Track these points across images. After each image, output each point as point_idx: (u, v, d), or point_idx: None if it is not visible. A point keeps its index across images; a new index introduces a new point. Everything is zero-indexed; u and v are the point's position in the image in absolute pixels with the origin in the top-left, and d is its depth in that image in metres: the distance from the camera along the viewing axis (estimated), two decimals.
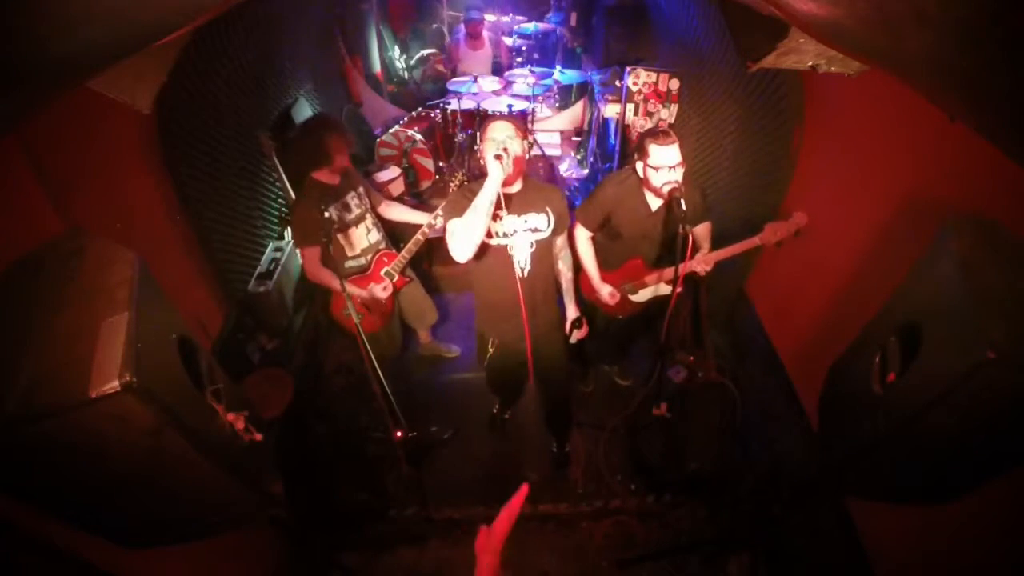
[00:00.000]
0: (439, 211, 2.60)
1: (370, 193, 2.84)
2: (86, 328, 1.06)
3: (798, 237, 2.19)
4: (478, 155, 2.08)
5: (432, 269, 4.09)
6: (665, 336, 2.38)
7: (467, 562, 0.95)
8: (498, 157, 1.89)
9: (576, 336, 2.48)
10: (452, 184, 2.63)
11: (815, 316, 2.50)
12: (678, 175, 2.19)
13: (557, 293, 2.39)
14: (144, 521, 1.31)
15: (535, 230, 2.10)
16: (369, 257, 2.80)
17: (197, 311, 2.51)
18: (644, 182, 2.31)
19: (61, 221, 1.67)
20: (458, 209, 2.04)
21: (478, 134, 2.06)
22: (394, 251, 2.85)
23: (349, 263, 2.75)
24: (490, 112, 4.51)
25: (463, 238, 1.96)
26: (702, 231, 2.50)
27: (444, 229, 2.09)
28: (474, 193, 2.02)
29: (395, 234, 3.09)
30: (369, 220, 2.79)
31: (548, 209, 2.13)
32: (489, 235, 2.02)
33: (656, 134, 2.21)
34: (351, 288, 2.61)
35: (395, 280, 2.84)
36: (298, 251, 2.21)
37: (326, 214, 2.47)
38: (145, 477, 1.17)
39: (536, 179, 2.27)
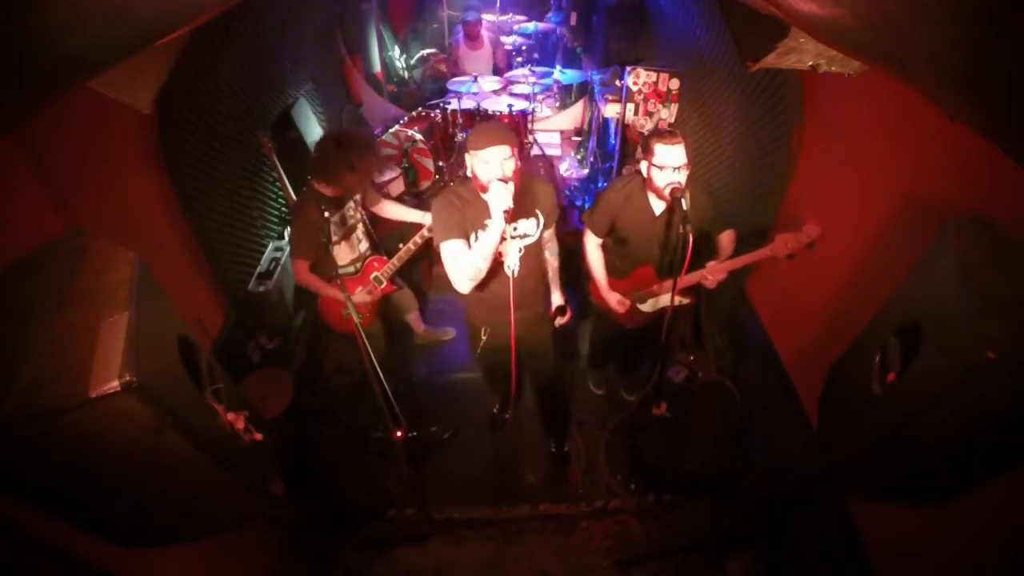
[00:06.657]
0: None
1: (365, 195, 2.80)
2: (86, 328, 1.06)
3: (811, 250, 2.08)
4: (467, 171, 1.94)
5: (432, 269, 4.10)
6: (665, 336, 2.37)
7: (468, 562, 0.95)
8: (504, 180, 1.79)
9: (559, 322, 2.51)
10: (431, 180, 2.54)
11: (815, 316, 2.50)
12: (682, 176, 2.13)
13: (544, 285, 2.38)
14: (144, 521, 1.31)
15: (524, 236, 2.09)
16: (359, 264, 2.81)
17: (197, 311, 2.51)
18: (647, 182, 2.25)
19: (61, 221, 1.67)
20: (449, 226, 1.96)
21: (466, 144, 1.87)
22: (384, 257, 2.84)
23: (340, 270, 2.73)
24: (480, 117, 4.49)
25: (467, 274, 1.93)
26: (726, 238, 2.43)
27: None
28: (461, 199, 1.99)
29: (402, 233, 3.09)
30: (360, 231, 2.78)
31: (537, 211, 2.10)
32: None
33: (662, 134, 2.16)
34: (336, 293, 2.55)
35: (383, 286, 2.84)
36: (292, 260, 2.19)
37: (325, 215, 2.43)
38: (145, 477, 1.17)
39: (522, 176, 2.14)
